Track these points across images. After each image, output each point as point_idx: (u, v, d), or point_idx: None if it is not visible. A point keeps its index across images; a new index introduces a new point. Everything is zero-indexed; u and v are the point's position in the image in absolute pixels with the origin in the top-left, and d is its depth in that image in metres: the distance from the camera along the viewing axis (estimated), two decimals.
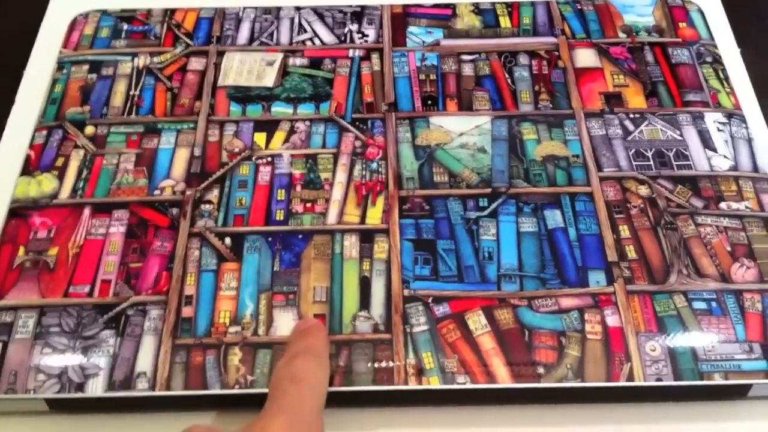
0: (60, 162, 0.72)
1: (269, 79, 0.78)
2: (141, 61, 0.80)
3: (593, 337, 0.61)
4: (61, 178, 0.71)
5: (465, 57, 0.81)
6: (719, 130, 0.74)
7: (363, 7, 0.85)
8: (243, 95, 0.77)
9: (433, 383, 0.60)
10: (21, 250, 0.66)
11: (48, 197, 0.69)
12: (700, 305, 0.63)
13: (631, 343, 0.61)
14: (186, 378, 0.59)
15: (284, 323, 0.62)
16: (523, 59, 0.81)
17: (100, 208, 0.69)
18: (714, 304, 0.63)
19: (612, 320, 0.62)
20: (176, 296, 0.63)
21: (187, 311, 0.63)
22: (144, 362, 0.60)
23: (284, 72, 0.79)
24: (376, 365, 0.60)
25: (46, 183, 0.70)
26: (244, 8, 0.85)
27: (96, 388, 0.59)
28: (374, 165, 0.72)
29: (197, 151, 0.72)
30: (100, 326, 0.62)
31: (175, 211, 0.68)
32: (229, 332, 0.62)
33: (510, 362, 0.60)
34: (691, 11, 0.85)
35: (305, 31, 0.83)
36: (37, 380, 0.59)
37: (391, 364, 0.60)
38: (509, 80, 0.79)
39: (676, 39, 0.83)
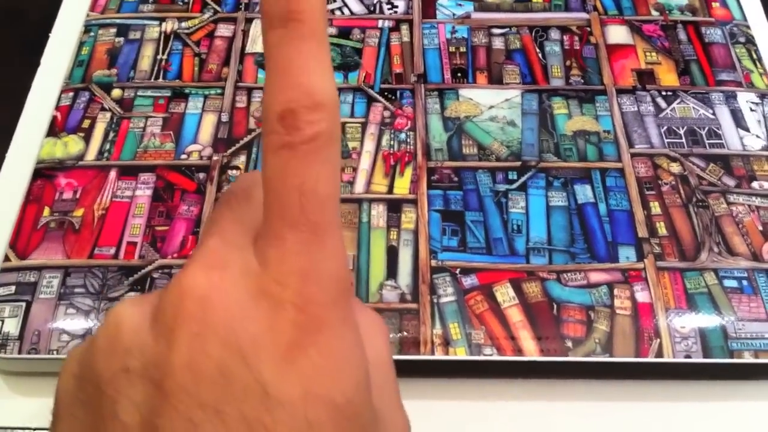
0: (86, 124, 0.71)
1: None
2: (169, 25, 0.79)
3: (622, 312, 0.61)
4: (87, 140, 0.70)
5: (495, 30, 0.80)
6: (752, 110, 0.73)
7: None
8: None
9: (460, 354, 0.59)
10: (46, 211, 0.65)
11: (74, 159, 0.69)
12: (731, 283, 0.62)
13: (660, 319, 0.60)
14: None
15: None
16: (555, 34, 0.80)
17: (127, 171, 0.68)
18: (745, 282, 0.63)
19: (641, 296, 0.62)
20: None
21: None
22: None
23: None
24: (402, 335, 0.59)
25: (72, 144, 0.69)
26: None
27: None
28: (402, 135, 0.71)
29: (224, 117, 0.72)
30: (125, 288, 0.61)
31: (202, 175, 0.68)
32: None
33: (538, 335, 0.60)
34: None
35: (334, 0, 0.82)
36: (61, 341, 0.59)
37: (417, 333, 0.59)
38: (540, 55, 0.78)
39: (710, 18, 0.81)
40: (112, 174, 0.68)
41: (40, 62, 0.78)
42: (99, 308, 0.60)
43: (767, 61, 0.78)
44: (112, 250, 0.64)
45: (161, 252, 0.63)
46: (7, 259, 0.63)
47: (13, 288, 0.61)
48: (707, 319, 0.60)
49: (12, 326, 0.59)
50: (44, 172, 0.68)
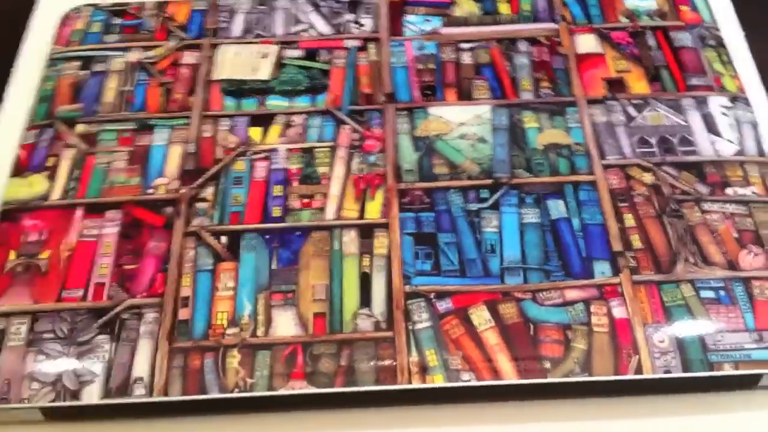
0: (51, 162, 0.70)
1: (264, 71, 0.77)
2: (134, 55, 0.78)
3: (600, 329, 0.60)
4: (52, 178, 0.69)
5: (464, 45, 0.79)
6: (724, 114, 0.73)
7: None
8: (237, 89, 0.75)
9: (438, 381, 0.58)
10: (12, 254, 0.64)
11: (39, 199, 0.68)
12: (708, 294, 0.62)
13: (638, 334, 0.59)
14: (184, 382, 0.58)
15: (283, 323, 0.61)
16: (523, 46, 0.79)
17: (93, 209, 0.67)
18: (722, 292, 0.62)
19: (618, 312, 0.61)
20: (172, 298, 0.62)
21: (183, 313, 0.61)
22: (141, 367, 0.59)
23: (280, 64, 0.77)
24: (378, 364, 0.58)
25: (37, 184, 0.68)
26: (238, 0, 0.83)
27: (92, 396, 0.57)
28: (372, 158, 0.70)
29: (191, 148, 0.71)
30: (94, 331, 0.60)
31: (169, 210, 0.67)
32: (227, 334, 0.60)
33: (515, 357, 0.59)
34: None
35: (301, 22, 0.81)
36: (32, 389, 0.58)
37: (393, 362, 0.58)
38: (509, 68, 0.77)
39: (679, 22, 0.81)
40: (78, 213, 0.67)
41: (2, 98, 0.76)
42: (69, 353, 0.59)
43: (738, 63, 0.77)
44: (81, 292, 0.63)
45: (130, 291, 0.62)
46: None
47: None
48: (686, 333, 0.60)
49: None
50: (9, 215, 0.67)
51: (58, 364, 0.59)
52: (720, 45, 0.79)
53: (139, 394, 0.57)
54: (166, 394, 0.57)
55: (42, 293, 0.62)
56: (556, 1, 0.83)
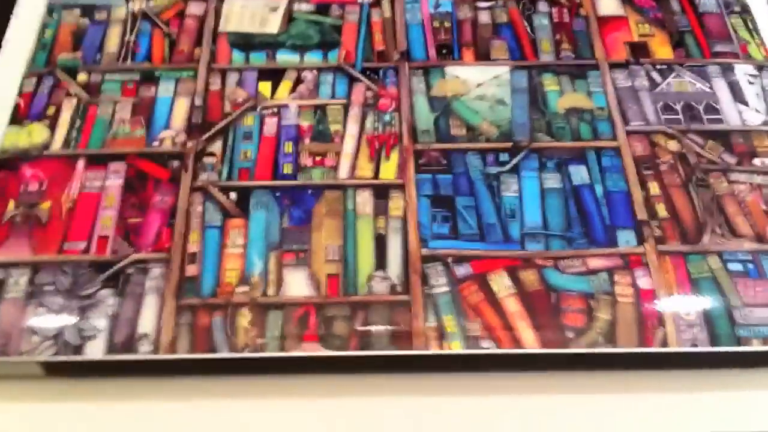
0: (51, 111, 0.67)
1: (273, 25, 0.74)
2: (137, 5, 0.75)
3: (624, 299, 0.58)
4: (52, 128, 0.66)
5: (481, 4, 0.76)
6: (750, 83, 0.70)
7: None
8: (246, 42, 0.72)
9: (456, 348, 0.56)
10: (11, 204, 0.61)
11: (39, 148, 0.65)
12: (735, 267, 0.60)
13: (664, 306, 0.57)
14: (192, 340, 0.55)
15: (295, 283, 0.58)
16: (543, 6, 0.76)
17: (96, 160, 0.64)
18: (750, 265, 0.60)
19: (643, 282, 0.59)
20: (179, 254, 0.59)
21: (191, 269, 0.59)
22: (146, 323, 0.56)
23: (289, 18, 0.74)
24: (394, 328, 0.56)
25: (36, 133, 0.65)
26: None
27: (95, 351, 0.55)
28: (387, 117, 0.67)
29: (198, 101, 0.68)
30: (98, 285, 0.58)
31: (175, 163, 0.64)
32: (236, 292, 0.57)
33: (537, 326, 0.56)
34: None
35: None
36: (32, 342, 0.55)
37: (410, 327, 0.56)
38: (528, 29, 0.74)
39: None
40: (80, 164, 0.64)
41: (1, 45, 0.73)
42: (71, 307, 0.56)
43: (764, 31, 0.75)
44: (83, 245, 0.60)
45: (135, 246, 0.60)
46: None
47: None
48: (713, 306, 0.57)
49: None
50: (8, 163, 0.64)
51: (59, 318, 0.56)
52: (745, 11, 0.76)
53: (144, 351, 0.55)
54: (172, 351, 0.55)
55: (42, 245, 0.60)
56: None
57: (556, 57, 0.72)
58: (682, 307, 0.57)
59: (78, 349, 0.55)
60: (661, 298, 0.58)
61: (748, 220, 0.62)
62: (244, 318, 0.56)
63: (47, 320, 0.56)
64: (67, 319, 0.56)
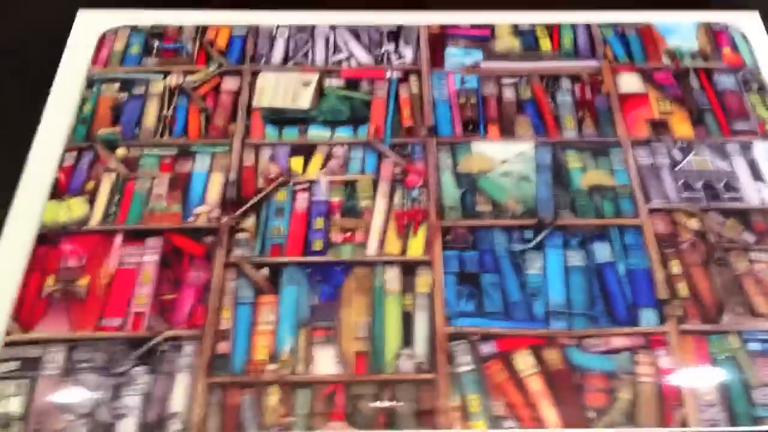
0: (90, 185, 0.69)
1: (305, 100, 0.76)
2: (173, 80, 0.77)
3: (646, 379, 0.59)
4: (91, 202, 0.68)
5: (505, 80, 0.78)
6: None
7: (400, 27, 0.83)
8: (278, 117, 0.74)
9: (480, 427, 0.57)
10: (50, 279, 0.64)
11: (78, 223, 0.67)
12: (755, 346, 0.61)
13: (684, 386, 0.59)
14: (221, 419, 0.57)
15: (324, 361, 0.60)
16: (566, 83, 0.78)
17: (133, 235, 0.66)
18: None
19: (664, 361, 0.60)
20: (212, 331, 0.61)
21: (222, 347, 0.60)
22: (177, 402, 0.58)
23: (321, 93, 0.76)
24: (420, 407, 0.58)
25: (76, 208, 0.67)
26: (278, 26, 0.82)
27: (126, 430, 0.56)
28: (415, 193, 0.69)
29: (232, 176, 0.70)
30: (132, 362, 0.59)
31: (210, 239, 0.66)
32: (266, 370, 0.59)
33: (560, 406, 0.58)
34: (735, 36, 0.83)
35: (341, 51, 0.81)
36: (65, 421, 0.57)
37: (435, 405, 0.57)
38: (552, 105, 0.76)
39: (721, 64, 0.80)
40: (118, 239, 0.66)
41: (41, 119, 0.76)
42: (105, 385, 0.58)
43: None
44: (119, 321, 0.62)
45: (169, 322, 0.62)
46: (9, 332, 0.61)
47: (17, 363, 0.59)
48: (732, 386, 0.59)
49: (16, 405, 0.57)
50: (48, 238, 0.66)
51: (93, 396, 0.58)
52: (762, 89, 0.78)
53: (175, 430, 0.56)
54: (203, 431, 0.56)
55: (80, 321, 0.62)
56: (597, 38, 0.82)
57: (579, 133, 0.74)
58: (702, 387, 0.58)
59: (109, 428, 0.56)
60: (681, 377, 0.59)
61: (767, 300, 0.63)
62: (273, 396, 0.58)
63: (81, 398, 0.57)
64: (101, 398, 0.57)
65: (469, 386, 0.59)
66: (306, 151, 0.72)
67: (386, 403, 0.57)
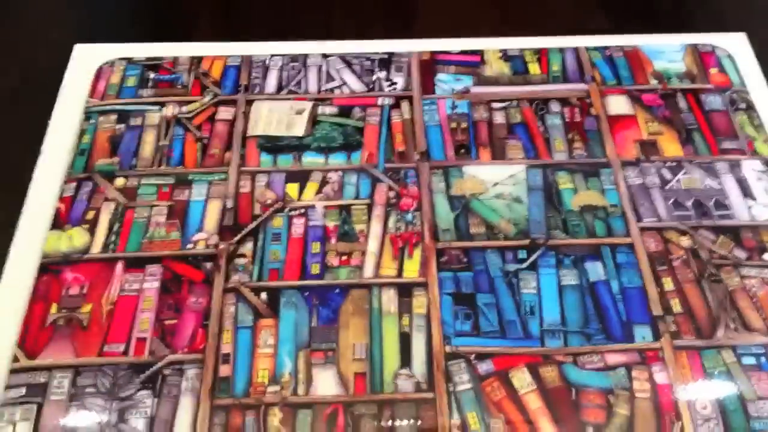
0: (90, 215, 0.70)
1: (299, 128, 0.77)
2: (169, 110, 0.79)
3: (642, 395, 0.60)
4: (92, 232, 0.69)
5: (496, 105, 0.80)
6: (759, 179, 0.73)
7: (391, 54, 0.84)
8: (273, 145, 0.76)
9: None
10: (54, 308, 0.64)
11: (79, 252, 0.68)
12: (749, 360, 0.62)
13: (680, 401, 0.59)
14: None
15: (324, 382, 0.61)
16: (555, 107, 0.79)
17: (133, 263, 0.67)
18: (763, 359, 0.62)
19: (660, 377, 0.61)
20: (213, 354, 0.62)
21: (224, 370, 0.61)
22: (182, 424, 0.59)
23: (314, 121, 0.78)
24: (419, 425, 0.58)
25: (77, 237, 0.68)
26: (272, 56, 0.84)
27: None
28: (409, 216, 0.70)
29: (229, 203, 0.71)
30: (136, 386, 0.60)
31: (209, 265, 0.67)
32: (268, 392, 0.60)
33: (558, 422, 0.59)
34: (721, 57, 0.84)
35: (333, 79, 0.82)
36: None
37: (435, 424, 0.58)
38: (542, 128, 0.77)
39: (708, 85, 0.81)
40: (119, 267, 0.67)
41: (41, 150, 0.77)
42: (111, 408, 0.59)
43: None
44: (122, 347, 0.62)
45: (172, 347, 0.62)
46: (16, 359, 0.61)
47: (23, 390, 0.60)
48: (728, 400, 0.60)
49: (24, 430, 0.58)
50: (50, 268, 0.67)
51: (100, 420, 0.58)
52: (750, 108, 0.79)
53: None
54: None
55: (84, 347, 0.62)
56: (585, 62, 0.84)
57: (569, 155, 0.75)
58: (698, 402, 0.59)
59: None
60: (677, 392, 0.60)
61: (760, 315, 0.64)
62: (275, 417, 0.59)
63: (88, 423, 0.58)
64: (107, 421, 0.58)
65: (467, 404, 0.60)
66: (301, 177, 0.73)
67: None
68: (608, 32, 0.87)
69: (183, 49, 0.85)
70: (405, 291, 0.66)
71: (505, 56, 0.85)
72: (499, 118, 0.79)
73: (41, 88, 0.82)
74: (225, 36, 0.87)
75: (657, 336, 0.63)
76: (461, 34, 0.87)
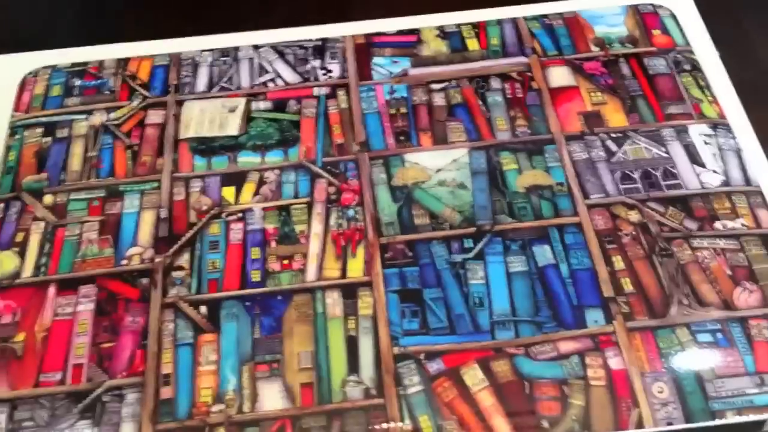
0: (20, 237, 0.68)
1: (233, 126, 0.75)
2: (97, 118, 0.76)
3: (597, 383, 0.58)
4: (22, 254, 0.66)
5: (435, 86, 0.77)
6: (706, 143, 0.71)
7: (324, 41, 0.81)
8: (207, 147, 0.73)
9: None
10: None
11: (10, 277, 0.65)
12: (705, 337, 0.60)
13: (636, 385, 0.58)
14: None
15: (270, 396, 0.59)
16: (496, 83, 0.77)
17: (66, 285, 0.65)
18: (719, 335, 0.60)
19: (615, 362, 0.59)
20: (153, 376, 0.60)
21: (166, 392, 0.59)
22: None
23: (248, 118, 0.75)
24: None
25: (7, 262, 0.66)
26: (201, 51, 0.81)
27: None
28: (351, 212, 0.68)
29: (163, 213, 0.69)
30: (75, 416, 0.58)
31: (145, 281, 0.65)
32: (212, 412, 0.58)
33: (512, 418, 0.57)
34: (664, 17, 0.82)
35: (266, 72, 0.79)
36: None
37: (386, 430, 0.56)
38: (483, 107, 0.75)
39: (651, 48, 0.79)
40: (51, 290, 0.65)
41: None
42: None
43: (716, 86, 0.76)
44: (59, 376, 0.60)
45: (109, 371, 0.60)
46: None
47: None
48: (685, 381, 0.58)
49: None
50: None
51: None
52: (696, 69, 0.77)
53: None
54: None
55: (19, 378, 0.60)
56: (524, 33, 0.81)
57: (513, 134, 0.73)
58: (655, 386, 0.58)
59: None
60: (633, 377, 0.58)
61: (714, 288, 0.63)
62: None
63: None
64: None
65: (419, 407, 0.58)
66: (237, 179, 0.71)
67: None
68: None
69: (110, 51, 0.82)
70: (350, 292, 0.64)
71: (443, 33, 0.82)
72: (438, 99, 0.76)
73: None
74: (151, 33, 0.83)
75: (609, 319, 0.61)
76: (397, 14, 0.84)
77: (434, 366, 0.60)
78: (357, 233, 0.67)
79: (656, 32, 0.81)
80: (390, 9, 0.85)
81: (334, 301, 0.63)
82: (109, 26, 0.87)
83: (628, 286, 0.63)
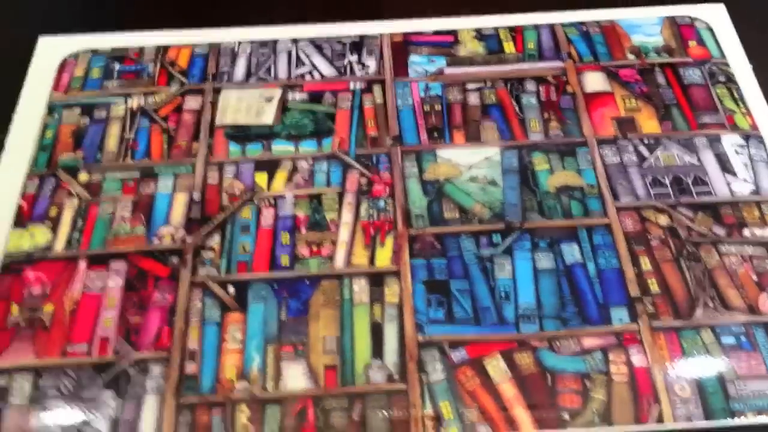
0: (53, 212, 0.69)
1: (268, 116, 0.75)
2: (134, 102, 0.77)
3: (619, 378, 0.58)
4: (54, 229, 0.67)
5: (470, 86, 0.78)
6: (737, 153, 0.71)
7: (362, 37, 0.82)
8: (242, 134, 0.74)
9: None
10: (14, 309, 0.63)
11: (42, 250, 0.66)
12: (728, 340, 0.60)
13: (658, 383, 0.58)
14: None
15: (294, 376, 0.59)
16: (530, 86, 0.78)
17: (97, 260, 0.66)
18: (743, 338, 0.60)
19: (637, 360, 0.59)
20: (179, 352, 0.60)
21: (190, 368, 0.60)
22: (147, 424, 0.57)
23: (283, 108, 0.76)
24: (392, 416, 0.57)
25: (39, 235, 0.67)
26: (240, 43, 0.82)
27: None
28: (381, 203, 0.69)
29: (196, 196, 0.69)
30: (99, 387, 0.58)
31: (175, 259, 0.65)
32: (236, 388, 0.58)
33: (533, 410, 0.57)
34: (700, 29, 0.82)
35: (303, 64, 0.80)
36: None
37: (408, 415, 0.57)
38: (517, 108, 0.76)
39: (687, 59, 0.79)
40: (82, 264, 0.65)
41: (3, 147, 0.75)
42: (73, 410, 0.57)
43: (749, 98, 0.76)
44: (85, 347, 0.61)
45: (136, 345, 0.61)
46: None
47: None
48: (707, 381, 0.58)
49: None
50: (11, 267, 0.65)
51: (62, 423, 0.57)
52: (730, 80, 0.77)
53: None
54: None
55: (46, 348, 0.61)
56: (561, 39, 0.82)
57: (545, 135, 0.73)
58: (677, 384, 0.58)
59: None
60: (655, 374, 0.58)
61: (739, 293, 0.63)
62: (243, 414, 0.57)
63: (51, 425, 0.57)
64: (70, 424, 0.57)
65: (441, 394, 0.58)
66: (270, 166, 0.72)
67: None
68: (585, 7, 0.85)
69: (149, 39, 0.83)
70: (377, 280, 0.64)
71: (480, 35, 0.83)
72: (473, 99, 0.77)
73: (5, 83, 0.80)
74: (192, 22, 0.84)
75: (634, 318, 0.61)
76: (434, 15, 0.84)
77: (458, 354, 0.60)
78: (386, 224, 0.67)
79: (692, 43, 0.81)
80: (426, 8, 0.85)
81: (361, 288, 0.64)
82: (148, 14, 0.87)
83: (654, 287, 0.63)
